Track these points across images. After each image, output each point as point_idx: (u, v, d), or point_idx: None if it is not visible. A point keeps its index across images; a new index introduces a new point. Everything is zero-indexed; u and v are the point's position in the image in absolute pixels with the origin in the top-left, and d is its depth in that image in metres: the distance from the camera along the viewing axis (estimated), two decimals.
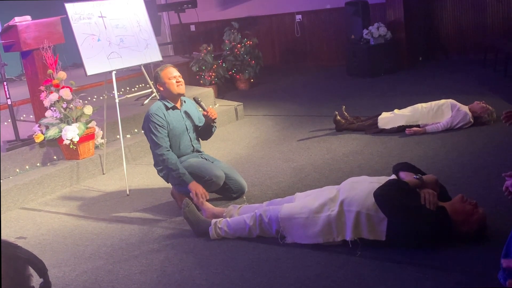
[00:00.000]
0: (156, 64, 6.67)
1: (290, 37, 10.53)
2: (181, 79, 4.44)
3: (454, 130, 5.50)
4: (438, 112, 5.61)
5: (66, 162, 5.48)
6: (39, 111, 5.58)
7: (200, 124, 4.59)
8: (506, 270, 2.47)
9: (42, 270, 1.52)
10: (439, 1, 9.30)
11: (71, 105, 5.44)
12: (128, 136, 6.20)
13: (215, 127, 4.62)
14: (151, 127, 4.31)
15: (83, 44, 5.17)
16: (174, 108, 4.44)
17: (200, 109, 4.61)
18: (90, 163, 5.55)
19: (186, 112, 4.51)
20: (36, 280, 1.50)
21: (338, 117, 5.99)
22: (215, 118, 4.51)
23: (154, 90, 6.79)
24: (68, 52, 7.44)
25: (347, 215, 3.40)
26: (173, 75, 4.40)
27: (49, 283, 1.52)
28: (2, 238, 1.47)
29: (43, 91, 5.43)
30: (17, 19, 5.33)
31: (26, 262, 1.49)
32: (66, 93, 5.36)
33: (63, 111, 5.38)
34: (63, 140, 5.30)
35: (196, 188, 4.17)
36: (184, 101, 4.55)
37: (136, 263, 3.63)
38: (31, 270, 1.50)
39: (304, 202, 3.64)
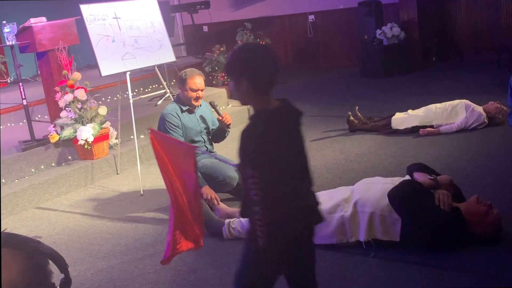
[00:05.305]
0: (170, 65, 6.71)
1: (302, 38, 10.52)
2: (201, 94, 4.44)
3: (469, 130, 5.47)
4: (452, 112, 5.59)
5: (81, 162, 5.53)
6: (54, 111, 5.63)
7: (214, 127, 4.60)
8: None
9: (63, 266, 1.54)
10: (453, 1, 9.25)
11: (86, 106, 5.48)
12: (142, 136, 6.23)
13: (229, 131, 4.62)
14: (167, 127, 4.33)
15: (98, 45, 5.20)
16: (188, 110, 4.46)
17: (215, 112, 4.62)
18: (105, 163, 5.59)
19: (201, 115, 4.53)
20: (56, 276, 1.52)
21: (352, 118, 5.98)
22: (230, 124, 4.51)
23: (168, 91, 6.83)
24: (82, 53, 7.49)
25: (361, 216, 3.40)
26: (196, 88, 4.38)
27: (69, 280, 1.54)
28: (22, 234, 1.51)
29: (58, 92, 5.47)
30: (32, 20, 5.37)
31: (48, 257, 1.52)
32: (81, 94, 5.40)
33: (78, 111, 5.42)
34: (78, 140, 5.34)
35: (209, 193, 4.18)
36: (200, 104, 4.56)
37: (150, 263, 3.65)
38: (52, 267, 1.53)
39: None
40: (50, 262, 1.59)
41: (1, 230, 1.51)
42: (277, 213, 2.09)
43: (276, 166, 2.09)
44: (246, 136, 2.09)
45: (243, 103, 2.25)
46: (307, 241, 2.27)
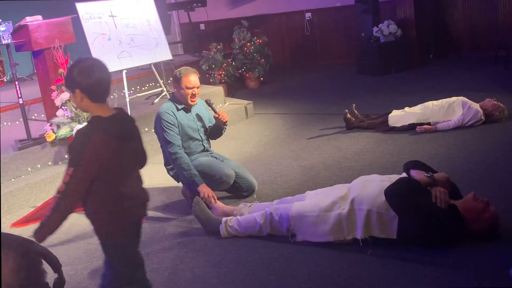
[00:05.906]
0: (166, 63, 6.69)
1: (299, 35, 10.51)
2: (197, 91, 4.42)
3: (466, 127, 5.47)
4: (449, 109, 5.58)
5: None
6: (51, 110, 5.61)
7: (210, 125, 4.59)
8: None
9: (56, 265, 1.55)
10: None
11: None
12: None
13: (225, 129, 4.62)
14: (163, 126, 4.32)
15: (94, 43, 5.20)
16: (184, 109, 4.45)
17: (211, 110, 4.61)
18: None
19: (197, 113, 4.52)
20: (49, 276, 1.51)
21: (348, 115, 5.98)
22: (226, 121, 4.50)
23: (164, 89, 6.82)
24: (78, 52, 7.45)
25: (358, 214, 3.39)
26: (191, 86, 4.36)
27: (63, 279, 1.55)
28: (17, 234, 1.50)
29: (54, 90, 5.45)
30: (28, 18, 5.35)
31: (41, 256, 1.52)
32: None
33: (74, 110, 5.40)
34: None
35: (206, 191, 4.18)
36: (196, 103, 4.54)
37: (147, 262, 3.62)
38: (45, 267, 1.52)
39: (314, 200, 3.64)
40: (44, 262, 1.58)
41: None
42: (105, 206, 2.46)
43: (103, 167, 2.40)
44: (76, 137, 2.45)
45: (82, 110, 2.57)
46: (136, 231, 2.68)
